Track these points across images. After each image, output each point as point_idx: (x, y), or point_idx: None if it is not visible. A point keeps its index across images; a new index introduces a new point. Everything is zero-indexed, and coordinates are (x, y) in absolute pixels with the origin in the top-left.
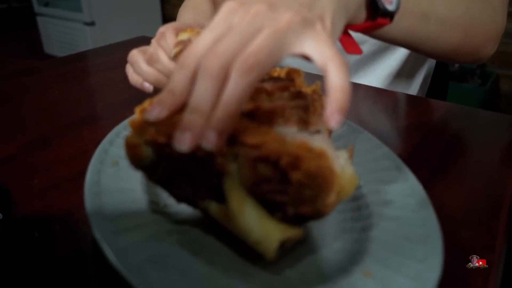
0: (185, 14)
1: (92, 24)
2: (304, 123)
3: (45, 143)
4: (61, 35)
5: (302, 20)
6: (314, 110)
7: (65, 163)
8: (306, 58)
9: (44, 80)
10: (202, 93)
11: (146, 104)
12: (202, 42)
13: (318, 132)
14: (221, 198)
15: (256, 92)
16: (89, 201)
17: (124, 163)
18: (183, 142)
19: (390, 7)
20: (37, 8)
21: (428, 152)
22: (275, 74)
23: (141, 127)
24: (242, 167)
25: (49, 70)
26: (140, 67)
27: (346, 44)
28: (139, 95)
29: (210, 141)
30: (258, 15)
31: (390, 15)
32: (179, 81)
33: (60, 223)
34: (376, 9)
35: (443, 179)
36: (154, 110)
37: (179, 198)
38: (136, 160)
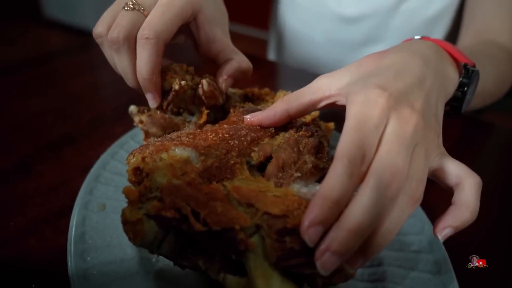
0: None
1: None
2: (320, 170)
3: (24, 169)
4: None
5: (438, 136)
6: (323, 148)
7: (44, 196)
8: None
9: (22, 85)
10: (368, 215)
11: (137, 158)
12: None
13: None
14: (240, 271)
15: (258, 137)
16: (73, 265)
17: (111, 205)
18: (327, 266)
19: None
20: None
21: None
22: None
23: (140, 197)
24: (267, 240)
25: (27, 71)
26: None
27: None
28: (130, 103)
29: (355, 267)
30: (414, 135)
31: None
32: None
33: (36, 281)
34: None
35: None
36: (311, 232)
37: (186, 267)
38: (137, 237)
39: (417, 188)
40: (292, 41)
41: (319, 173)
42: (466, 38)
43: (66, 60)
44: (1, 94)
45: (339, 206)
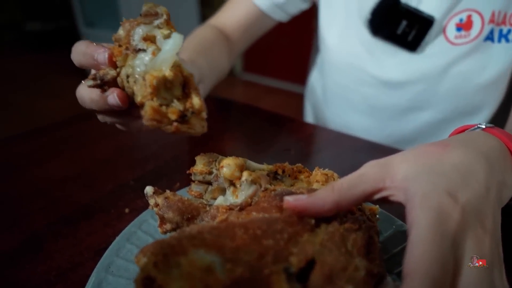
0: (188, 43)
1: None
2: (374, 277)
3: (34, 248)
4: None
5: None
6: (375, 245)
7: (50, 285)
8: None
9: (43, 149)
10: None
11: (149, 260)
12: None
13: (383, 278)
14: None
15: (296, 232)
16: None
17: None
18: None
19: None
20: (82, 28)
21: None
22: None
23: None
24: None
25: (50, 135)
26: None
27: None
28: (155, 172)
29: None
30: (492, 259)
31: None
32: None
33: None
34: None
35: None
36: None
37: None
38: None
39: None
40: (329, 104)
41: (373, 281)
42: None
43: (84, 125)
44: (23, 157)
45: None
